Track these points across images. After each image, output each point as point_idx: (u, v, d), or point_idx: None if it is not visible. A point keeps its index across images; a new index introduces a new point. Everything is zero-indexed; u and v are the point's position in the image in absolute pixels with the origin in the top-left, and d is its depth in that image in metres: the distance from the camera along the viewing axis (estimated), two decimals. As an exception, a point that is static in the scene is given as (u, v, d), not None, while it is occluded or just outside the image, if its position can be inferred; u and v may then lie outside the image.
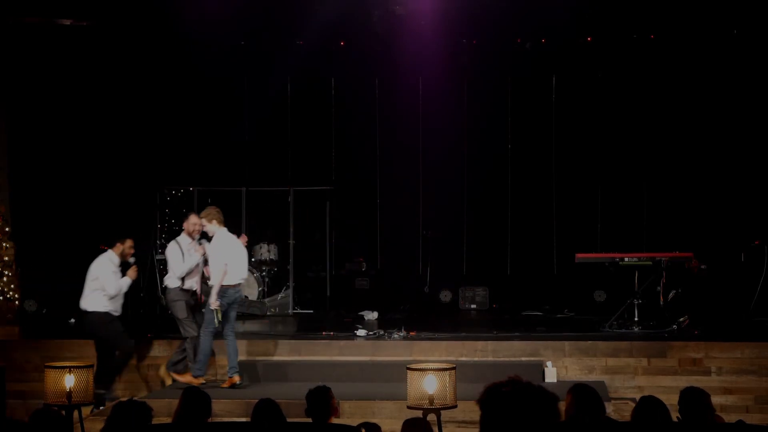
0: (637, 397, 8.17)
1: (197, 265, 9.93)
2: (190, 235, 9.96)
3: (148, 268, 13.78)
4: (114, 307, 9.93)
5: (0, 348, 10.57)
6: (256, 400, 5.94)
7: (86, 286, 9.93)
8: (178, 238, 10.00)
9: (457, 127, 14.96)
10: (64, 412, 6.65)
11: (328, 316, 13.32)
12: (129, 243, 10.16)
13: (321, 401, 6.05)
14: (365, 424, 5.75)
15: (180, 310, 9.88)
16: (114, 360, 9.95)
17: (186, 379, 9.62)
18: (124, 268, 10.19)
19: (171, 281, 9.93)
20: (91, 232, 13.90)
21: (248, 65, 14.61)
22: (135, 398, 5.79)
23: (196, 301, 10.02)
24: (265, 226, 14.61)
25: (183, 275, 9.85)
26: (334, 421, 6.19)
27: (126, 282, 10.01)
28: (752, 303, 12.10)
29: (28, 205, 13.89)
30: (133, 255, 10.24)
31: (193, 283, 9.97)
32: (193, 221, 9.95)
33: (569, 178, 14.81)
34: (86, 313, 9.90)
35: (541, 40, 14.09)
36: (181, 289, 9.91)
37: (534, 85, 14.88)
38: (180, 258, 9.85)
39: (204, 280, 10.07)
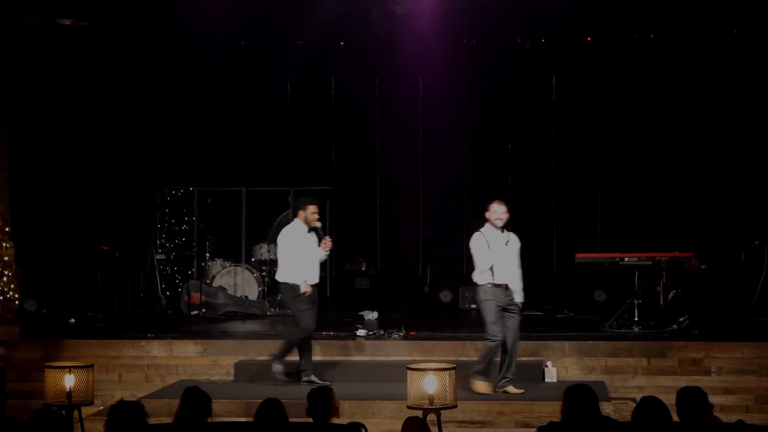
0: (637, 397, 8.19)
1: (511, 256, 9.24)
2: (493, 224, 9.27)
3: (147, 268, 13.78)
4: (306, 278, 9.44)
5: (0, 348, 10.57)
6: (256, 400, 5.94)
7: (278, 257, 9.72)
8: (483, 229, 9.30)
9: (457, 127, 14.95)
10: (64, 412, 6.66)
11: (328, 316, 13.31)
12: (311, 209, 9.54)
13: (322, 401, 6.04)
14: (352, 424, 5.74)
15: (488, 311, 9.07)
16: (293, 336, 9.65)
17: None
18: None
19: (478, 276, 9.18)
20: (91, 232, 13.94)
21: (248, 65, 14.60)
22: (130, 399, 5.80)
23: (509, 297, 9.22)
24: (265, 226, 14.60)
25: (486, 268, 9.12)
26: (335, 421, 6.19)
27: (320, 253, 9.57)
28: (752, 303, 12.10)
29: (28, 205, 13.89)
30: (319, 220, 9.59)
31: (505, 277, 9.16)
32: (496, 210, 9.28)
33: (569, 178, 14.80)
34: (278, 284, 9.71)
35: (541, 40, 14.08)
36: (494, 285, 9.10)
37: (534, 85, 14.86)
38: (484, 249, 9.14)
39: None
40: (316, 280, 9.57)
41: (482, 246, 9.13)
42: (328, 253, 9.70)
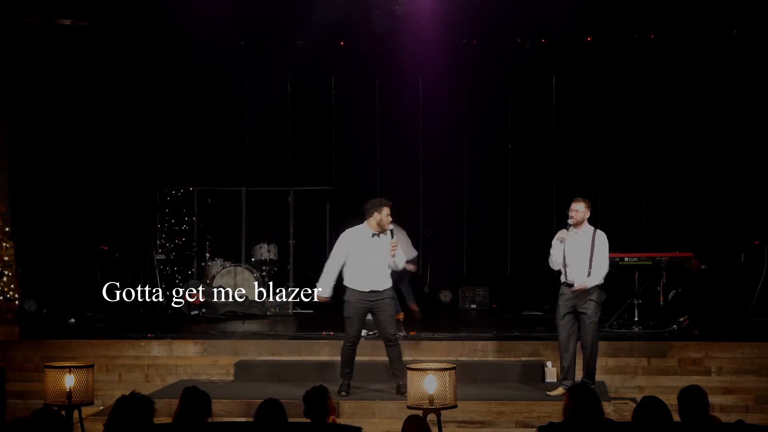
0: (637, 397, 8.20)
1: None
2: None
3: (147, 268, 13.78)
4: (362, 286, 9.02)
5: (0, 348, 10.57)
6: (256, 400, 5.94)
7: None
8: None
9: (457, 127, 14.95)
10: (64, 412, 6.66)
11: (328, 316, 13.31)
12: (386, 211, 9.07)
13: (319, 402, 6.05)
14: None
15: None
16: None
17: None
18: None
19: None
20: (91, 232, 13.93)
21: (248, 65, 14.61)
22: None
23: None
24: (265, 226, 14.60)
25: None
26: (335, 421, 6.19)
27: (387, 259, 9.03)
28: (752, 303, 12.11)
29: (28, 205, 13.88)
30: (391, 222, 9.09)
31: None
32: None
33: (569, 177, 14.80)
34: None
35: (541, 40, 14.09)
36: None
37: (534, 85, 14.87)
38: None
39: None
40: (372, 287, 9.02)
41: None
42: (394, 257, 9.10)
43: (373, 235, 9.10)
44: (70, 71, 13.93)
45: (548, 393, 9.11)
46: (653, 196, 14.60)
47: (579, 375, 9.27)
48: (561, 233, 9.16)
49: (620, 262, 11.68)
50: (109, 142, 14.24)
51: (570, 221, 9.16)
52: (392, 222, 9.19)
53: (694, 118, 14.27)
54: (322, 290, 9.24)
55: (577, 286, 9.07)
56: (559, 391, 9.00)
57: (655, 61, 14.31)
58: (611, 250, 11.90)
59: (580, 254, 9.09)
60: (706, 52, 13.95)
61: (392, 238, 9.11)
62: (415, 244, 14.70)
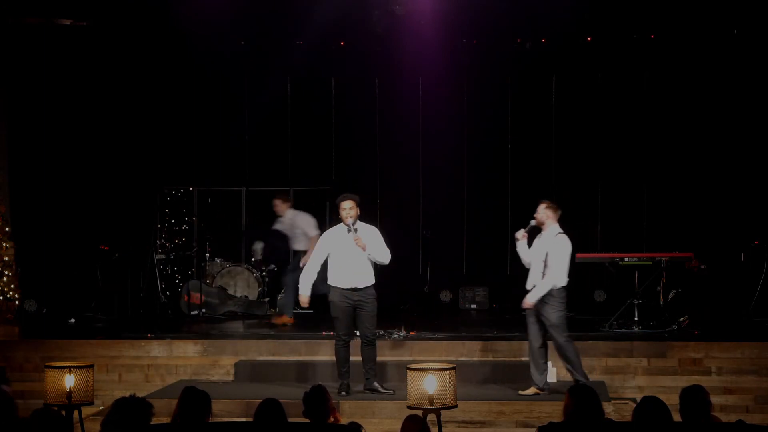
0: (637, 397, 8.21)
1: None
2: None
3: (147, 268, 13.78)
4: (343, 283, 9.14)
5: (0, 348, 10.57)
6: (256, 400, 5.94)
7: None
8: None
9: (457, 127, 14.94)
10: (64, 412, 6.66)
11: (328, 316, 13.29)
12: (341, 206, 9.17)
13: (319, 402, 6.04)
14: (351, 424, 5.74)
15: None
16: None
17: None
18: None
19: None
20: (91, 232, 13.94)
21: (248, 65, 14.60)
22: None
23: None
24: (265, 226, 14.59)
25: None
26: (337, 420, 6.19)
27: (358, 254, 9.10)
28: (752, 303, 12.11)
29: (28, 205, 13.89)
30: (350, 217, 9.12)
31: None
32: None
33: (569, 178, 14.79)
34: None
35: (541, 40, 14.08)
36: None
37: (534, 85, 14.86)
38: None
39: None
40: (352, 284, 9.12)
41: None
42: (366, 251, 9.13)
43: (348, 231, 9.18)
44: (70, 71, 13.93)
45: (519, 392, 9.14)
46: (653, 196, 14.58)
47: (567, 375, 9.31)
48: (518, 232, 9.25)
49: (620, 262, 11.69)
50: (108, 142, 14.24)
51: (532, 221, 9.22)
52: (356, 216, 9.21)
53: (694, 119, 14.26)
54: (302, 291, 9.39)
55: (522, 304, 9.21)
56: (531, 391, 9.11)
57: (655, 61, 14.30)
58: (610, 250, 11.97)
59: (538, 258, 9.14)
60: (706, 52, 13.95)
61: (356, 233, 9.15)
62: (416, 244, 14.76)
